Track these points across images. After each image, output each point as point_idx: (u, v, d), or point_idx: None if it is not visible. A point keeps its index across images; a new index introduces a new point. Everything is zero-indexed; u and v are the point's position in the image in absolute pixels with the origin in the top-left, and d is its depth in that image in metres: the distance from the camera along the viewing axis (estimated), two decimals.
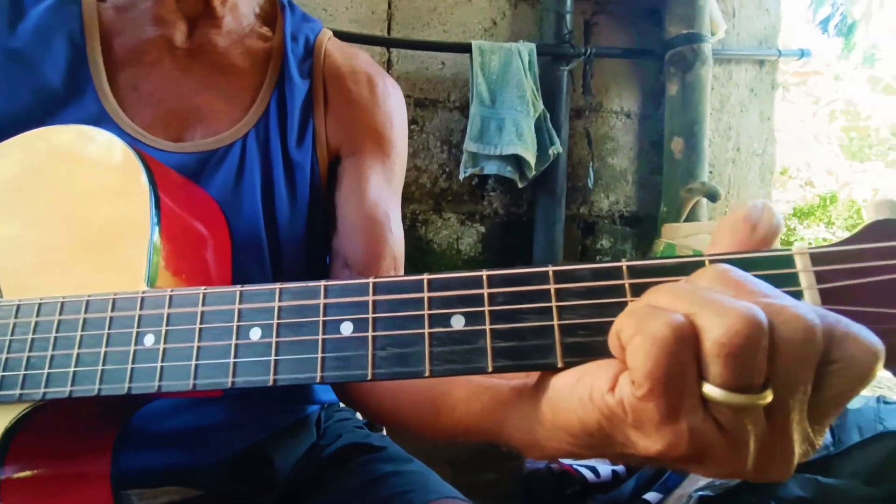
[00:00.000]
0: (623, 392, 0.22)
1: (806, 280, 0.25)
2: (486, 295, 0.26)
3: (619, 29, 1.70)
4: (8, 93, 0.51)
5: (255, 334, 0.28)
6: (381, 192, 0.59)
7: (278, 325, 0.28)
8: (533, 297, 0.26)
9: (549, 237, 1.55)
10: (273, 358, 0.28)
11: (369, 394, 0.50)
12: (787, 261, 0.25)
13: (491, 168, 1.46)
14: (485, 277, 0.26)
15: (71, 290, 0.35)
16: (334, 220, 0.58)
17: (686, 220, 1.45)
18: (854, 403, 1.11)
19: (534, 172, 1.48)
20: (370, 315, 0.27)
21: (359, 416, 0.73)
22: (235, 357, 0.29)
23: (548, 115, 1.49)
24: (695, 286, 0.22)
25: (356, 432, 0.65)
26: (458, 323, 0.26)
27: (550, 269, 0.25)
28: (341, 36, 1.43)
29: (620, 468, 0.94)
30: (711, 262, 0.25)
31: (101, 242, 0.40)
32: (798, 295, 0.24)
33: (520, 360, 0.25)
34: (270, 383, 0.28)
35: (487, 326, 0.26)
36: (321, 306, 0.28)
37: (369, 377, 0.26)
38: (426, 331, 0.26)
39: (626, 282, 0.25)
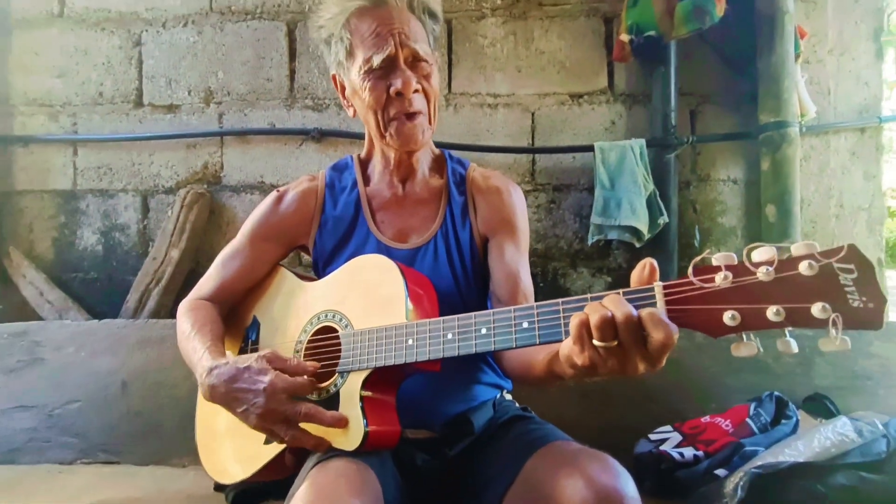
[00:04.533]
0: (574, 342, 0.60)
1: (659, 298, 0.58)
2: (535, 312, 0.67)
3: (723, 114, 2.07)
4: (335, 236, 1.03)
5: (481, 330, 0.78)
6: (512, 257, 0.99)
7: (494, 325, 0.75)
8: (554, 312, 0.66)
9: None
10: (493, 339, 0.72)
11: (509, 369, 0.95)
12: (651, 290, 0.59)
13: (612, 235, 1.94)
14: (535, 307, 0.66)
15: (375, 324, 0.82)
16: (489, 276, 1.00)
17: None
18: None
19: (647, 236, 1.93)
20: (493, 324, 0.72)
21: (516, 404, 1.08)
22: (459, 342, 0.74)
23: (657, 193, 1.93)
24: (596, 304, 0.59)
25: (517, 411, 1.02)
26: (525, 324, 0.68)
27: (560, 301, 0.66)
28: (498, 149, 2.05)
29: (700, 453, 1.36)
30: (620, 292, 0.60)
31: (383, 303, 0.84)
32: (654, 305, 0.58)
33: (547, 338, 0.66)
34: (493, 348, 0.71)
35: (537, 326, 0.66)
36: (512, 316, 0.72)
37: (513, 346, 0.69)
38: (513, 328, 0.71)
39: (589, 300, 0.63)
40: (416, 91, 0.92)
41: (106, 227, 2.15)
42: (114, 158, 2.15)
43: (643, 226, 1.89)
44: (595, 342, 0.58)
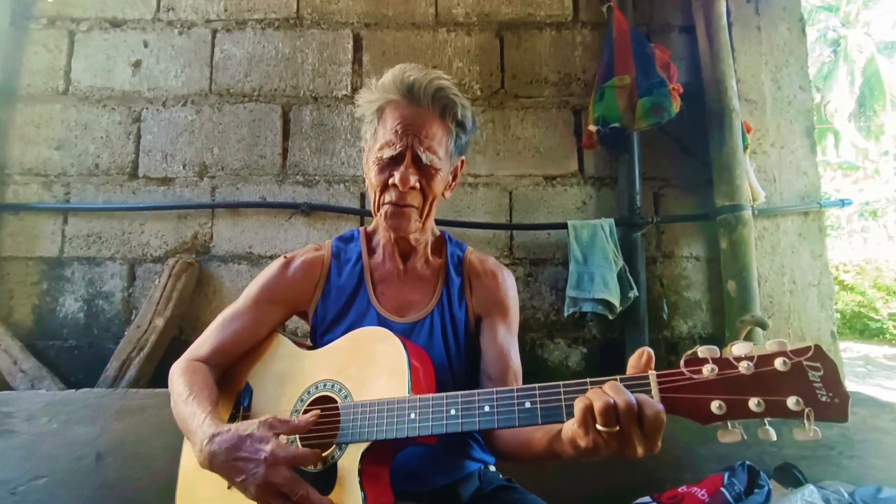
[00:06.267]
0: (578, 426, 0.68)
1: (654, 386, 0.66)
2: (537, 393, 0.76)
3: (683, 196, 2.26)
4: (336, 305, 1.07)
5: (484, 408, 0.83)
6: (504, 337, 1.05)
7: (497, 404, 0.81)
8: (556, 394, 0.77)
9: None
10: (496, 417, 0.81)
11: (502, 446, 0.97)
12: (647, 378, 0.67)
13: (587, 307, 2.04)
14: (537, 387, 0.77)
15: (376, 396, 0.85)
16: (481, 354, 1.05)
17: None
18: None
19: (619, 309, 2.04)
20: (496, 403, 0.80)
21: (500, 475, 1.13)
22: (462, 419, 0.82)
23: (627, 268, 2.07)
24: (598, 390, 0.67)
25: (502, 481, 1.09)
26: (527, 403, 0.78)
27: (561, 384, 0.77)
28: (478, 225, 2.18)
29: None
30: (619, 379, 0.68)
31: (385, 375, 0.87)
32: (649, 392, 0.66)
33: (548, 419, 0.74)
34: (496, 426, 0.78)
35: (539, 407, 0.77)
36: (515, 396, 0.82)
37: (496, 426, 0.77)
38: (515, 407, 0.78)
39: (588, 386, 0.71)
40: (413, 188, 1.00)
41: (90, 295, 2.15)
42: (104, 227, 2.19)
43: (615, 299, 2.00)
44: (598, 426, 0.65)
